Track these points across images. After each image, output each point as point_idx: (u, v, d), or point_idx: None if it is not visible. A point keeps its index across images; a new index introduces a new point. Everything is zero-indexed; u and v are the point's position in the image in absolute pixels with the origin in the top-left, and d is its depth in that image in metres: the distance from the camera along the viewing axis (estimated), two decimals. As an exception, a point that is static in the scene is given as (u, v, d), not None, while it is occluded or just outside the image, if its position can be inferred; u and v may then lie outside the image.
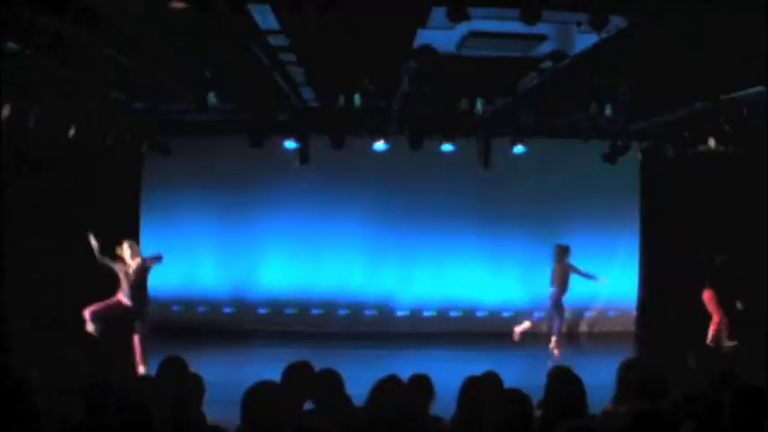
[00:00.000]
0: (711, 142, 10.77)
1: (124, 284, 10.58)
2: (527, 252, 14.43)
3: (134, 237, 13.98)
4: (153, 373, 5.40)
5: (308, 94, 10.85)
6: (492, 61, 8.56)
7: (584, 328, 14.86)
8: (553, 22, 6.79)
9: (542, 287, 14.16)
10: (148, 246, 14.09)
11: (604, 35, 6.73)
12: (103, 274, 13.03)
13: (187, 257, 14.20)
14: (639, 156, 12.97)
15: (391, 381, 4.84)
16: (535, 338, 14.49)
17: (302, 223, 14.19)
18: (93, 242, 10.55)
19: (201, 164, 13.79)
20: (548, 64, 8.39)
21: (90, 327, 10.36)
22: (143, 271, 10.62)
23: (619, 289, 14.74)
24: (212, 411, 5.11)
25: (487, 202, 14.21)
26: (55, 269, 12.13)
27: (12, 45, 6.89)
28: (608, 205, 14.40)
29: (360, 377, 5.25)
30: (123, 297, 10.61)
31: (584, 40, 7.40)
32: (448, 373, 5.66)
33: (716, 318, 11.58)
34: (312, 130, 12.49)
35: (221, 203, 14.16)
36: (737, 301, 11.17)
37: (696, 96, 9.99)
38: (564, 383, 4.58)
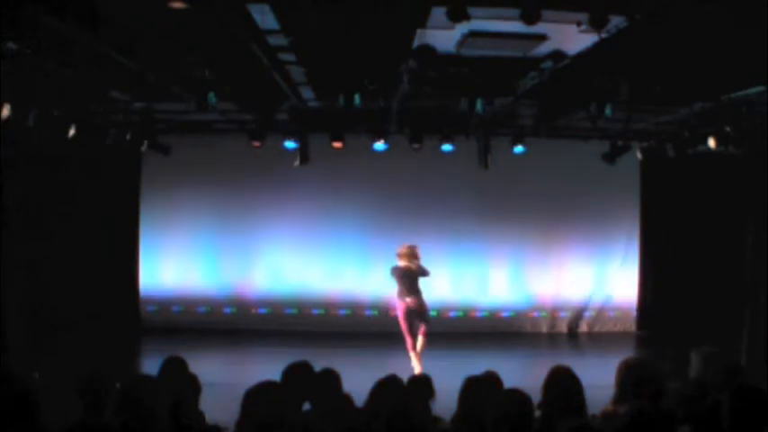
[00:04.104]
0: (711, 142, 10.76)
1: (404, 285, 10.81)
2: (527, 252, 14.45)
3: (134, 236, 14.06)
4: (150, 372, 5.40)
5: (308, 94, 10.84)
6: (492, 61, 8.55)
7: (584, 328, 14.86)
8: (553, 22, 6.78)
9: (541, 287, 14.22)
10: (148, 245, 14.16)
11: (604, 35, 6.73)
12: (101, 274, 13.08)
13: (187, 257, 14.21)
14: (639, 156, 12.96)
15: (391, 381, 4.85)
16: (535, 338, 14.53)
17: (302, 223, 14.19)
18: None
19: (201, 164, 13.78)
20: (548, 64, 8.38)
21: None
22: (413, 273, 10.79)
23: (619, 289, 14.77)
24: (212, 411, 5.12)
25: (487, 202, 14.21)
26: (55, 269, 12.14)
27: (12, 45, 6.89)
28: (608, 205, 14.41)
29: (360, 377, 5.25)
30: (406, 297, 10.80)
31: (584, 40, 7.39)
32: (448, 373, 5.66)
33: None
34: (312, 130, 12.49)
35: (221, 203, 14.17)
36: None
37: (696, 96, 9.99)
38: (564, 383, 4.58)
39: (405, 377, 5.04)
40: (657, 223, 14.53)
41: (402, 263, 10.86)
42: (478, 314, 14.57)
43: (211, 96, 9.38)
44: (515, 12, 6.20)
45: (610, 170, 12.85)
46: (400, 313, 10.87)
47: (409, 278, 10.78)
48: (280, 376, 5.10)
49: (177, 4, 6.01)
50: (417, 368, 10.48)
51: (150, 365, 9.64)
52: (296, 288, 14.27)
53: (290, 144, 12.49)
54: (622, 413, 3.90)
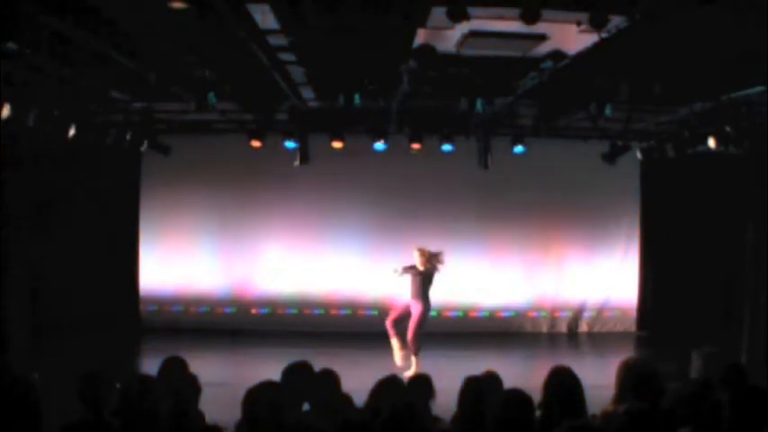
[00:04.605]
0: (711, 142, 10.76)
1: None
2: (526, 252, 14.45)
3: (133, 237, 14.06)
4: (150, 372, 5.40)
5: (308, 94, 10.84)
6: (492, 61, 8.55)
7: (584, 328, 14.86)
8: (553, 22, 6.78)
9: (541, 287, 14.19)
10: (148, 245, 14.16)
11: (604, 35, 6.73)
12: (101, 274, 13.07)
13: (187, 257, 14.20)
14: (639, 156, 12.97)
15: (391, 381, 4.85)
16: (535, 338, 14.53)
17: (302, 223, 14.19)
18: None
19: (201, 164, 13.79)
20: (548, 64, 8.38)
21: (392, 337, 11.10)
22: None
23: (619, 289, 14.76)
24: (212, 411, 5.12)
25: (487, 201, 14.21)
26: (55, 268, 12.14)
27: (12, 45, 6.89)
28: (608, 205, 14.41)
29: (360, 377, 5.26)
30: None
31: (584, 40, 7.39)
32: (448, 373, 5.66)
33: None
34: (312, 130, 12.50)
35: (221, 203, 14.17)
36: None
37: (696, 96, 9.99)
38: (564, 383, 4.58)
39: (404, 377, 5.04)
40: (657, 223, 14.53)
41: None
42: (478, 314, 14.56)
43: (211, 96, 9.38)
44: (515, 12, 6.20)
45: (610, 170, 12.85)
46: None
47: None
48: (280, 376, 5.10)
49: (177, 4, 6.01)
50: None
51: (150, 365, 9.63)
52: (296, 288, 14.25)
53: (290, 144, 12.49)
54: (622, 413, 3.90)
